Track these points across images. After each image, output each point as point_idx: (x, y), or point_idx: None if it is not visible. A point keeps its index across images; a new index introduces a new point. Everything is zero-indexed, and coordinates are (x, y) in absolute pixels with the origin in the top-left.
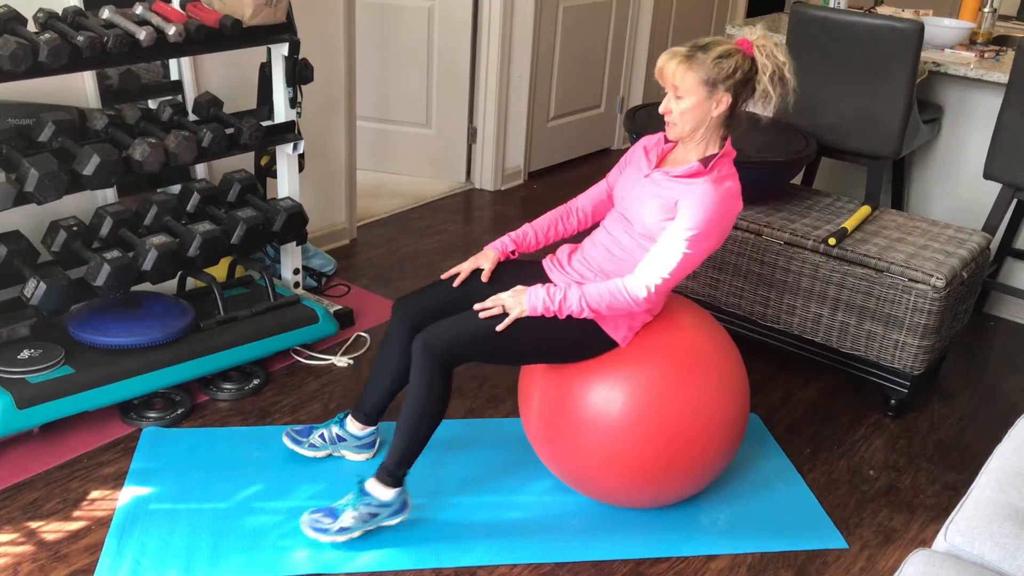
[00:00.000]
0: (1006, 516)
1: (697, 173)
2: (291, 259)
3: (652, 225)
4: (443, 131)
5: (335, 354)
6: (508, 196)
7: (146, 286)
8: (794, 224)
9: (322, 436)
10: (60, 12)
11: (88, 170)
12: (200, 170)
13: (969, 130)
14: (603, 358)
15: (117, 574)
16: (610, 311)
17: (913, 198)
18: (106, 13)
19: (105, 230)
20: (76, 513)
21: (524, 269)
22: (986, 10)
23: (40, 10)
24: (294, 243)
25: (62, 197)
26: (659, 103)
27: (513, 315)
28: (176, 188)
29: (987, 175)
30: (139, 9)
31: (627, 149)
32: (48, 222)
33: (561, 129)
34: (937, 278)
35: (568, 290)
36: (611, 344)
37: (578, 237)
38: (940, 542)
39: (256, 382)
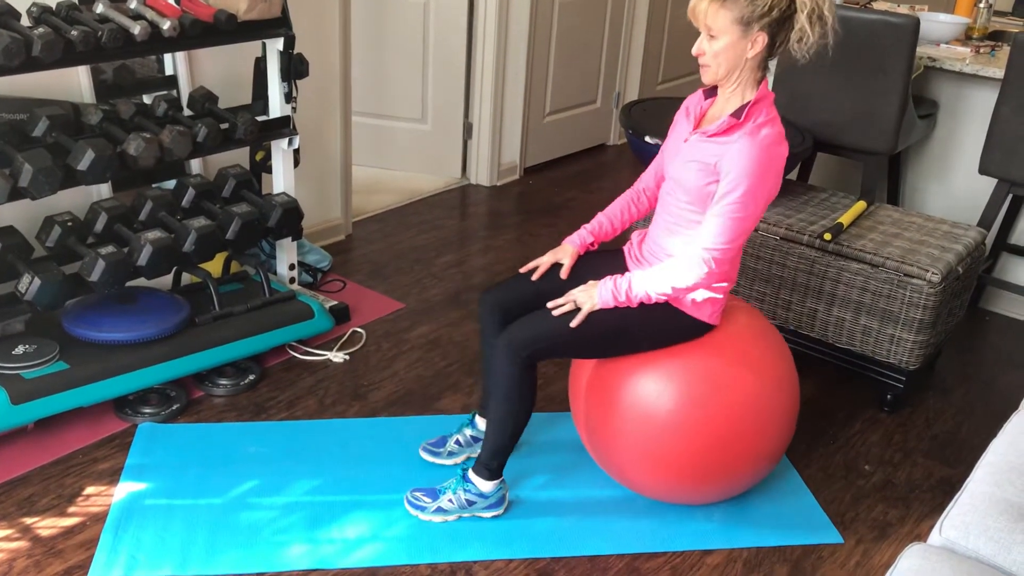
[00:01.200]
0: (1001, 511)
1: (731, 128)
2: (286, 254)
3: (696, 189)
4: (439, 126)
5: (331, 350)
6: (504, 191)
7: (141, 281)
8: (790, 219)
9: (458, 442)
10: (54, 6)
11: (82, 165)
12: (195, 165)
13: (964, 125)
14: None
15: (112, 569)
16: (677, 290)
17: (908, 193)
18: (100, 7)
19: (100, 225)
20: (71, 509)
21: (604, 260)
22: (981, 5)
23: (34, 4)
24: (289, 239)
25: (56, 192)
26: (655, 99)
27: (585, 310)
28: (171, 183)
29: (982, 170)
30: (133, 3)
31: (623, 144)
32: (42, 217)
33: (557, 124)
34: (933, 273)
35: (633, 278)
36: (702, 325)
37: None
38: (935, 536)
39: (251, 378)
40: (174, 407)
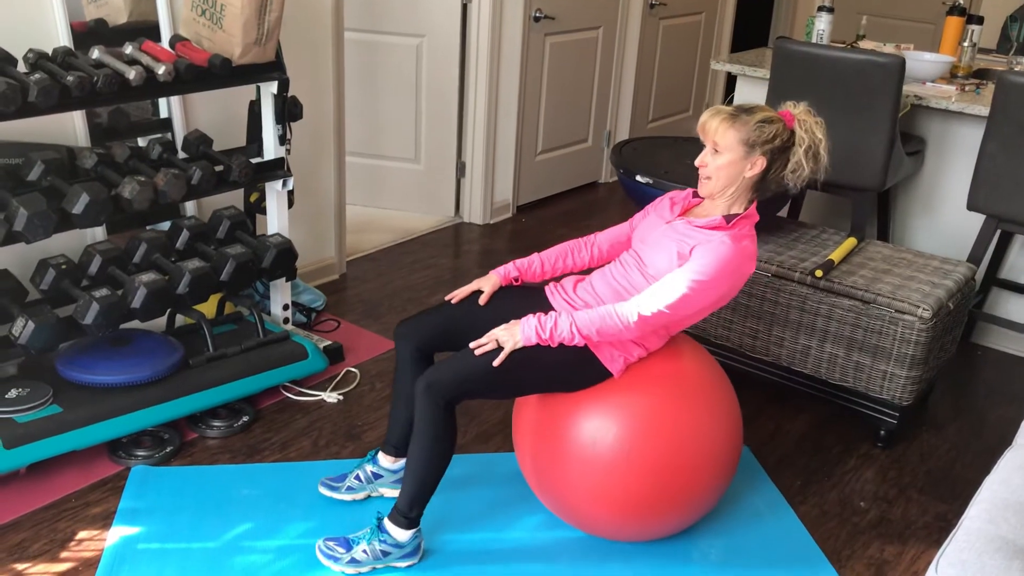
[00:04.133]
0: (996, 548)
1: (718, 227)
2: (280, 295)
3: (665, 269)
4: (432, 166)
5: (324, 390)
6: (496, 229)
7: (135, 323)
8: (781, 256)
9: (357, 477)
10: (50, 52)
11: (77, 209)
12: (190, 207)
13: (952, 162)
14: (596, 388)
15: None
16: (600, 336)
17: (898, 229)
18: (96, 53)
19: (94, 268)
20: (63, 554)
21: (525, 295)
22: (966, 44)
23: (30, 50)
24: (284, 279)
25: (51, 236)
26: (645, 138)
27: (508, 348)
28: (166, 225)
29: (971, 206)
30: (129, 49)
31: (614, 182)
32: (37, 260)
33: (549, 163)
34: (924, 309)
35: (559, 318)
36: (606, 374)
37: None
38: (932, 574)
39: (245, 419)
40: (167, 449)
